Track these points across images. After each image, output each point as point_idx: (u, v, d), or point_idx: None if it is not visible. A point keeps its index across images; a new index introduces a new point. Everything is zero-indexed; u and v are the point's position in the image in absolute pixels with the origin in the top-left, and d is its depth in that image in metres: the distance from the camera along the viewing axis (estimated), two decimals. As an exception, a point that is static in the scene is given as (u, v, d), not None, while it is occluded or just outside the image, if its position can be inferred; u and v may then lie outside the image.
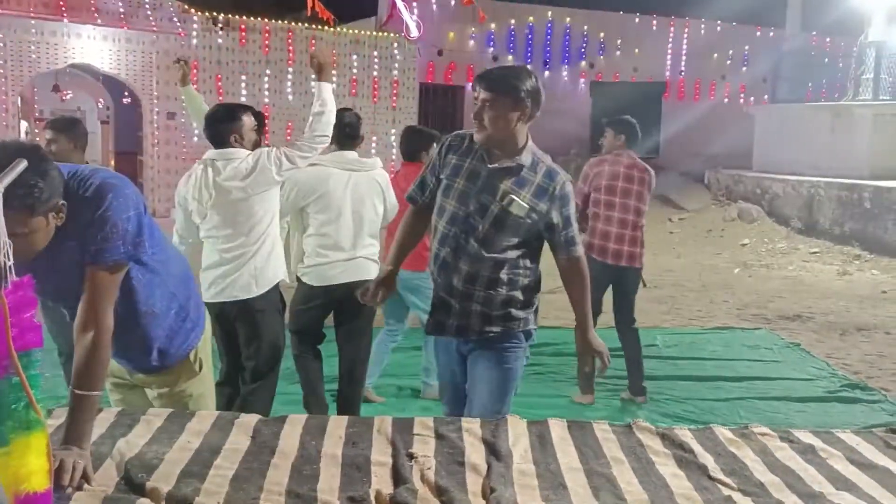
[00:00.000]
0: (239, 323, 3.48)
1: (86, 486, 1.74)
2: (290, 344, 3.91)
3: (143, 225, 1.93)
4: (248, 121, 3.43)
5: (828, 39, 16.91)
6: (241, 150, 3.37)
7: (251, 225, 3.35)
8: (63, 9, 10.92)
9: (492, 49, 15.53)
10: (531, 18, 15.77)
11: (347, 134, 3.78)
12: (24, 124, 13.03)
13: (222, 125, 3.37)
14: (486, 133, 2.57)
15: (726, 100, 16.97)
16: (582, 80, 16.05)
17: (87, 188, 1.82)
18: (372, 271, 3.85)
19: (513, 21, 15.67)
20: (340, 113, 3.87)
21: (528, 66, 2.72)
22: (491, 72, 2.65)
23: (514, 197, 2.56)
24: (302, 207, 3.72)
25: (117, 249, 1.86)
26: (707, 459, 2.00)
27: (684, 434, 2.18)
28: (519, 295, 2.67)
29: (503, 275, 2.63)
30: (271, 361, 3.57)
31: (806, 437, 2.17)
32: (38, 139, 12.62)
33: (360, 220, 3.78)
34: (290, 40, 12.98)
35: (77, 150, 4.10)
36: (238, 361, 3.62)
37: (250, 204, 3.33)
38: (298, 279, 3.87)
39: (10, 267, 1.28)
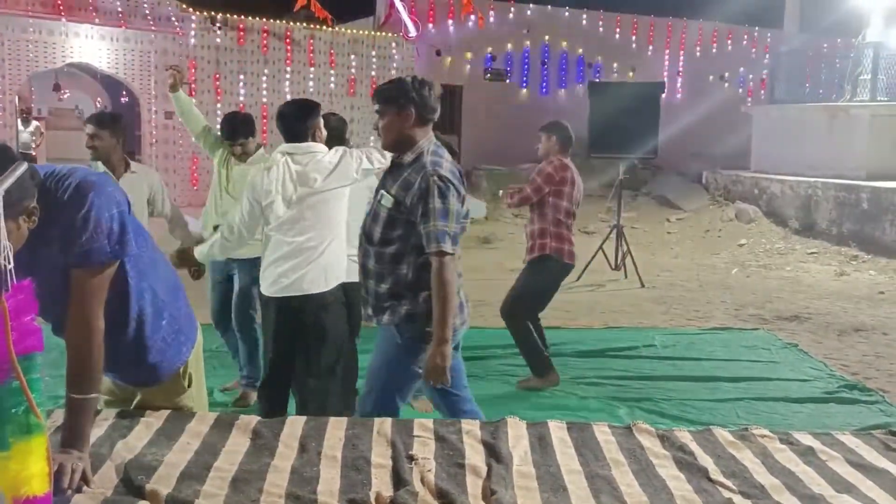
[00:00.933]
0: (305, 317, 3.45)
1: (85, 488, 1.73)
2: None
3: (128, 222, 1.86)
4: (321, 119, 3.54)
5: (825, 41, 16.96)
6: (320, 144, 3.44)
7: (326, 220, 3.41)
8: (61, 8, 10.90)
9: (490, 49, 15.54)
10: (529, 18, 15.78)
11: (333, 137, 3.79)
12: (34, 123, 13.07)
13: (306, 121, 3.42)
14: (382, 139, 2.88)
15: (724, 100, 17.00)
16: (580, 80, 16.07)
17: (66, 189, 1.75)
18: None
19: (511, 21, 15.67)
20: (326, 117, 3.95)
21: (416, 77, 2.92)
22: (381, 86, 2.93)
23: (383, 192, 2.82)
24: None
25: (104, 249, 1.80)
26: (707, 461, 2.00)
27: (684, 436, 2.18)
28: (403, 290, 2.80)
29: (385, 269, 2.81)
30: (335, 358, 3.55)
31: (805, 440, 2.17)
32: (36, 139, 12.60)
33: (350, 223, 3.83)
34: (288, 40, 12.97)
35: (119, 145, 4.13)
36: (289, 363, 3.58)
37: (327, 198, 3.39)
38: None
39: (10, 270, 1.27)
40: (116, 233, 1.82)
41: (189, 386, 2.26)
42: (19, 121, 13.28)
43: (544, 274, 4.88)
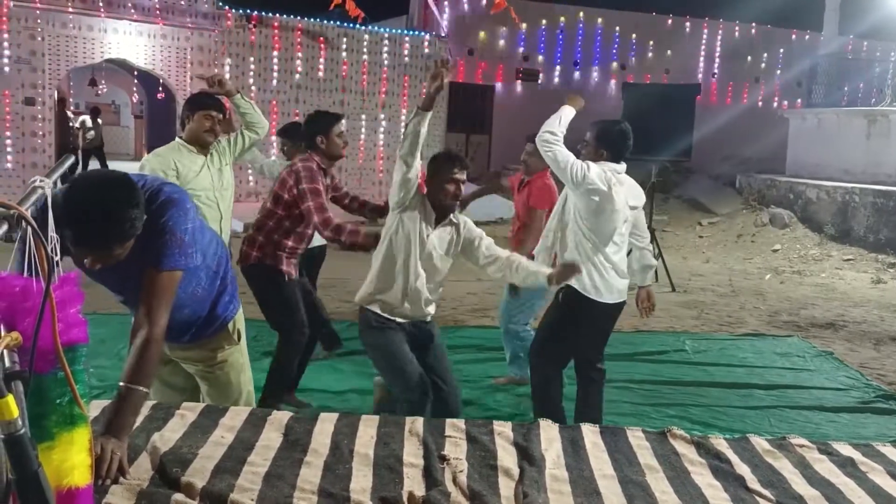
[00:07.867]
0: None
1: (121, 479, 1.75)
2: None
3: (196, 238, 2.12)
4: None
5: (865, 44, 16.64)
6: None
7: None
8: (100, 4, 11.07)
9: (522, 49, 15.48)
10: (562, 18, 15.69)
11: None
12: (81, 117, 13.37)
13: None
14: None
15: (760, 103, 16.75)
16: (613, 81, 15.95)
17: (155, 200, 2.02)
18: None
19: (544, 21, 15.59)
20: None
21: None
22: None
23: None
24: None
25: (174, 257, 2.03)
26: (744, 470, 1.97)
27: (720, 443, 2.14)
28: None
29: None
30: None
31: (845, 450, 2.13)
32: (81, 131, 12.83)
33: None
34: (322, 38, 13.04)
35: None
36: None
37: None
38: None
39: (57, 262, 1.28)
40: (187, 245, 2.06)
41: (238, 339, 2.58)
42: (87, 117, 13.75)
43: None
